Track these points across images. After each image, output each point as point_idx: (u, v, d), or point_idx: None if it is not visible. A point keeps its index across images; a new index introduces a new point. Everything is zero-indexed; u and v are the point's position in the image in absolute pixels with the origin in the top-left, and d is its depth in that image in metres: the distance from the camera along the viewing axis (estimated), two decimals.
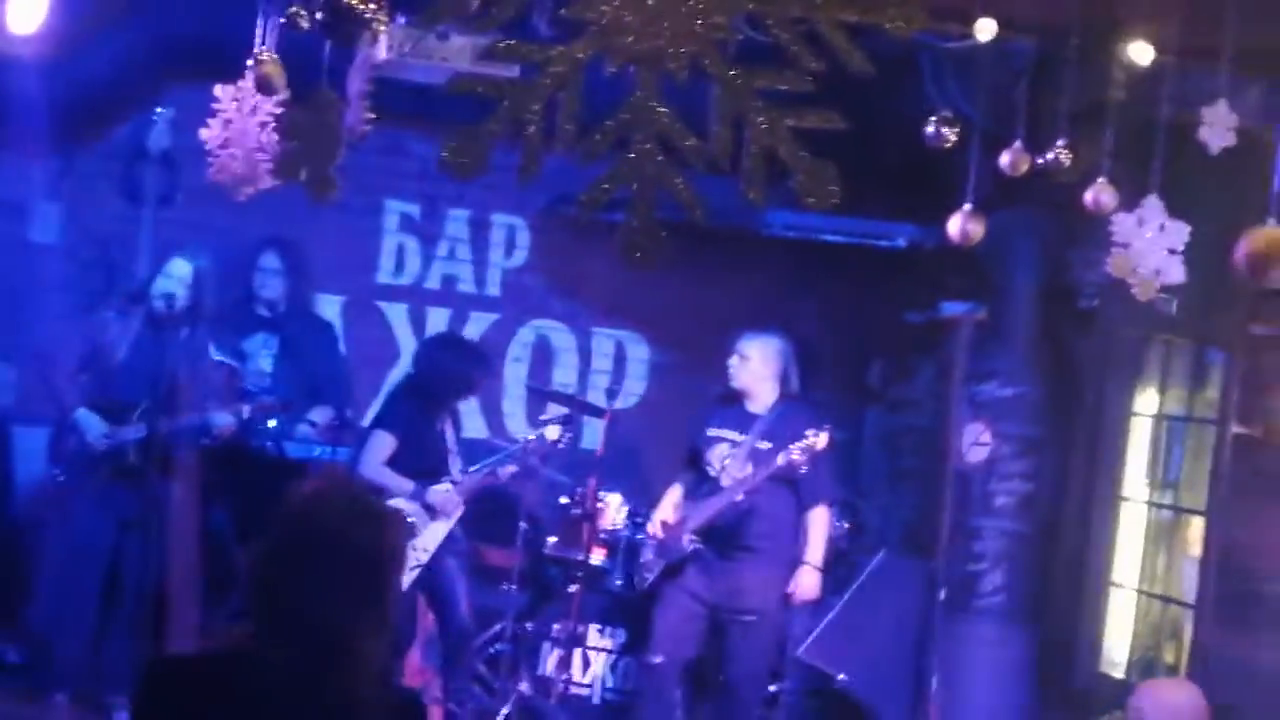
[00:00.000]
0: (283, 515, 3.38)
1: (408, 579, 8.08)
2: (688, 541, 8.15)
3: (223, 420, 7.95)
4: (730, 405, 8.36)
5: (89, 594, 8.00)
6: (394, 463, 8.21)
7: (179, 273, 8.01)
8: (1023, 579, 8.64)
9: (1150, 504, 8.42)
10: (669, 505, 8.45)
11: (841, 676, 8.69)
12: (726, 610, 8.18)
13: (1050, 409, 8.67)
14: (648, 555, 8.44)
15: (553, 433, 8.65)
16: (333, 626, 3.24)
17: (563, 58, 5.00)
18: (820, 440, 7.91)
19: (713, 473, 8.20)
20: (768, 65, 5.14)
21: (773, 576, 8.20)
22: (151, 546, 7.78)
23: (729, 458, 8.15)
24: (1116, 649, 8.45)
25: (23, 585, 8.72)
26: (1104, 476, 8.50)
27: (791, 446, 7.88)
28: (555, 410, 8.95)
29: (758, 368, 8.25)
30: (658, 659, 8.31)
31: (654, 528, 8.39)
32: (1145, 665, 8.25)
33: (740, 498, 8.03)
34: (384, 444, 8.21)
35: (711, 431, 8.30)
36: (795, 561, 8.21)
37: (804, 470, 7.99)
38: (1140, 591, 8.33)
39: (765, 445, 8.05)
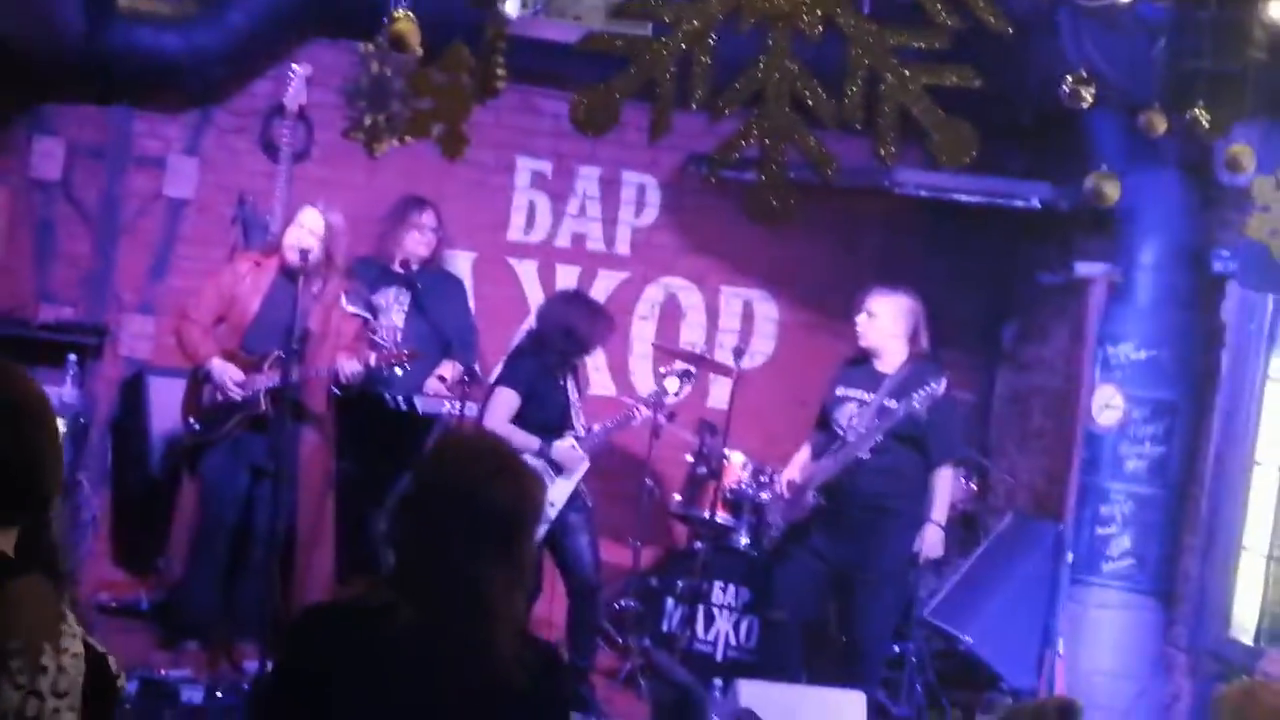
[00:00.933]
0: (422, 469, 3.43)
1: (540, 533, 8.15)
2: (812, 498, 8.15)
3: (351, 369, 8.02)
4: (859, 365, 8.35)
5: (221, 542, 8.12)
6: (519, 419, 8.26)
7: (310, 223, 8.09)
8: (1152, 543, 8.56)
9: None
10: (797, 464, 8.46)
11: (967, 638, 8.66)
12: (851, 569, 8.19)
13: (1183, 372, 8.58)
14: (773, 513, 8.46)
15: (672, 384, 8.66)
16: (472, 581, 3.29)
17: (696, 15, 4.99)
18: (940, 387, 7.87)
19: (840, 431, 8.19)
20: (903, 22, 5.11)
21: (899, 536, 8.18)
22: (282, 495, 7.88)
23: (856, 416, 8.14)
24: (1246, 614, 8.36)
25: (157, 533, 8.88)
26: (1236, 441, 8.40)
27: (913, 394, 7.85)
28: (678, 367, 8.97)
29: (886, 325, 8.22)
30: (780, 616, 8.34)
31: (781, 486, 8.41)
32: (1275, 631, 8.16)
33: (866, 455, 8.01)
34: (508, 400, 8.25)
35: (840, 391, 8.30)
36: (921, 521, 8.19)
37: (927, 423, 7.97)
38: (1271, 557, 8.23)
39: (893, 404, 8.02)
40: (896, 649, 8.68)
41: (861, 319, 8.27)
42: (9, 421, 3.18)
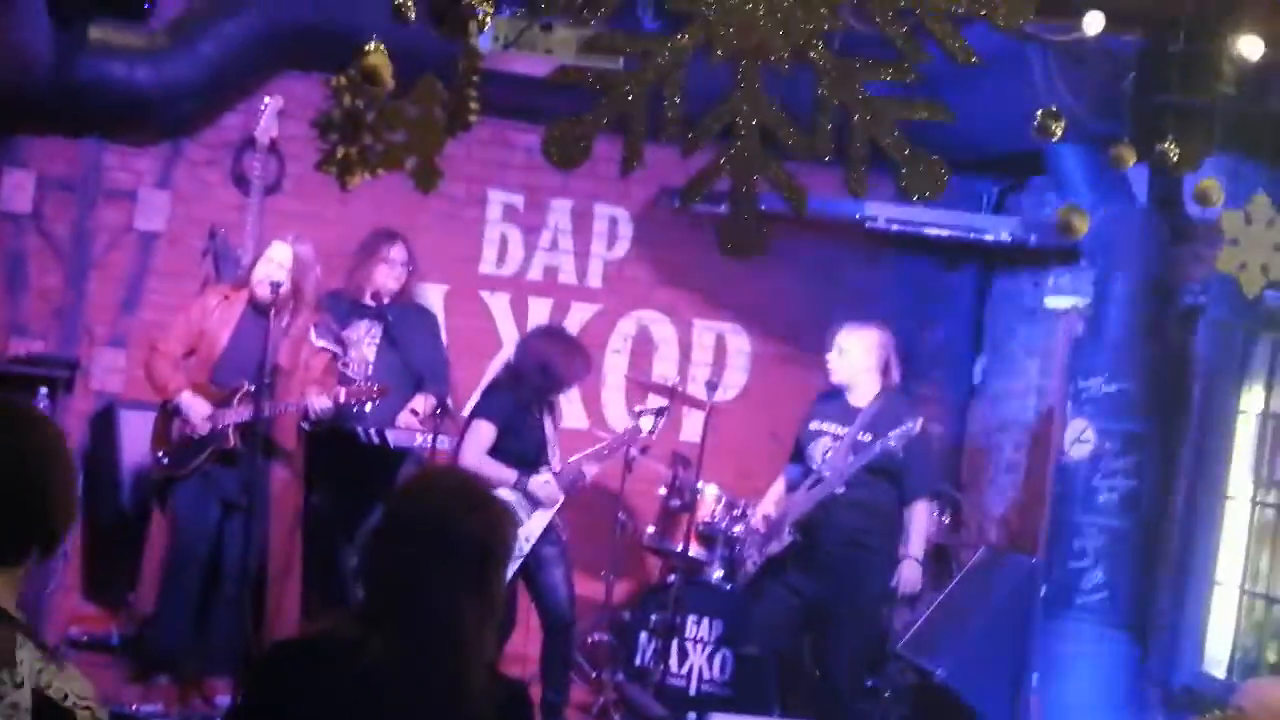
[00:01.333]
0: (395, 503, 3.43)
1: (510, 568, 8.12)
2: (788, 533, 8.15)
3: (321, 404, 8.01)
4: (832, 398, 8.38)
5: (192, 576, 8.08)
6: (495, 452, 8.24)
7: (279, 257, 8.09)
8: (1125, 577, 8.57)
9: (1255, 502, 8.34)
10: (772, 498, 8.47)
11: (940, 672, 8.65)
12: (826, 604, 8.19)
13: (1154, 405, 8.60)
14: (748, 548, 8.46)
15: (646, 423, 8.69)
16: (443, 616, 3.29)
17: (667, 49, 5.00)
18: (915, 427, 7.90)
19: (815, 466, 8.20)
20: (874, 57, 5.12)
21: (874, 571, 8.19)
22: (253, 529, 7.86)
23: (830, 450, 8.16)
24: (1219, 648, 8.37)
25: (128, 567, 8.84)
26: (1208, 474, 8.42)
27: (890, 434, 7.87)
28: (652, 401, 8.98)
29: (857, 360, 8.25)
30: (754, 651, 8.33)
31: (757, 520, 8.41)
32: (1248, 664, 8.17)
33: (841, 490, 8.03)
34: (485, 433, 8.24)
35: (814, 425, 8.32)
36: (896, 556, 8.20)
37: (901, 459, 7.99)
38: (1243, 590, 8.25)
39: (867, 438, 8.04)
40: (870, 683, 8.68)
41: (832, 355, 8.30)
42: (23, 462, 3.24)
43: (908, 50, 5.09)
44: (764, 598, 8.34)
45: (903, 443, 7.89)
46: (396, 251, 9.03)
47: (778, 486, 8.54)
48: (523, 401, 8.33)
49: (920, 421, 7.97)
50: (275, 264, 8.06)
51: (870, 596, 8.24)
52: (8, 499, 3.23)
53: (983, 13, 5.05)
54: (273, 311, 7.86)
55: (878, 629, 8.52)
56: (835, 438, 8.18)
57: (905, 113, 5.10)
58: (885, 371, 8.29)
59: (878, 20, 5.05)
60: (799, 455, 8.43)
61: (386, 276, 8.98)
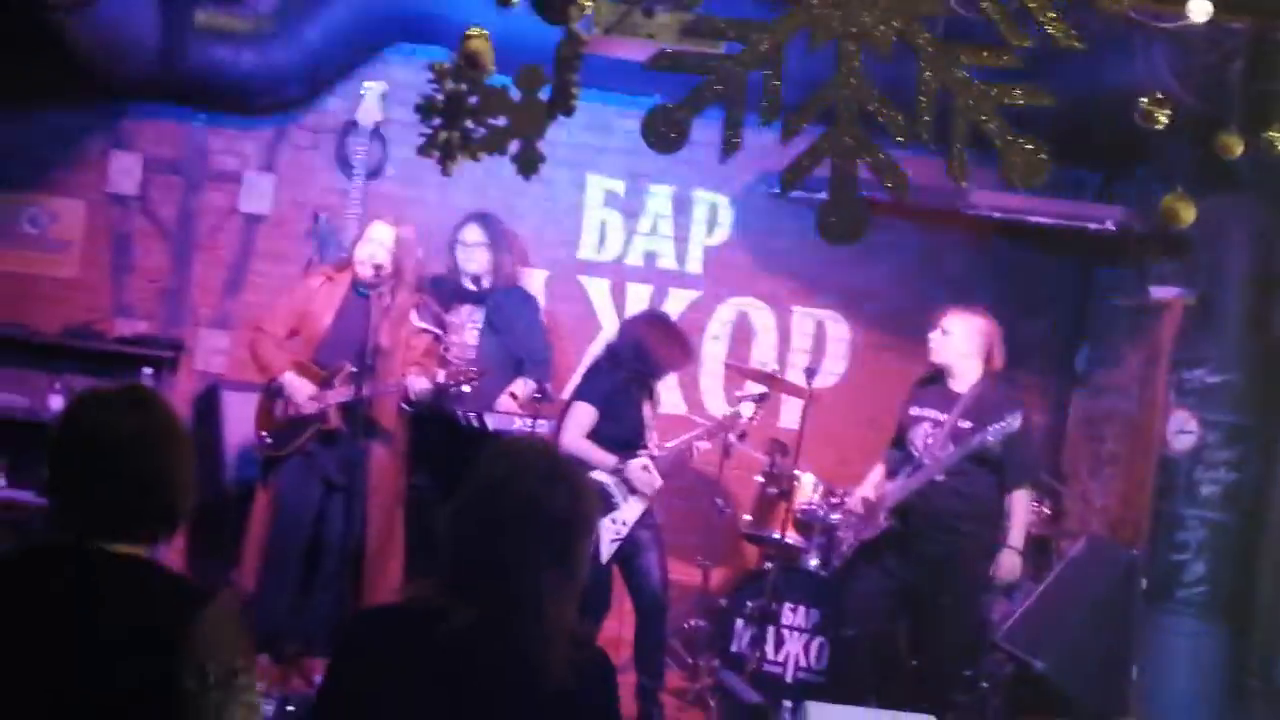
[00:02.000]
0: (478, 475, 3.45)
1: (607, 552, 8.15)
2: (884, 519, 8.12)
3: (420, 385, 8.05)
4: (933, 383, 8.33)
5: (293, 556, 8.16)
6: (594, 435, 8.27)
7: (381, 237, 8.14)
8: (1226, 570, 8.47)
9: None
10: (871, 483, 8.44)
11: (1039, 664, 8.59)
12: (923, 591, 8.15)
13: (1259, 397, 8.49)
14: (844, 530, 8.44)
15: (746, 410, 8.69)
16: (525, 586, 3.30)
17: (767, 33, 4.99)
18: (1015, 423, 7.84)
19: (915, 452, 8.17)
20: (976, 41, 5.09)
21: (972, 559, 8.14)
22: (354, 509, 7.92)
23: (930, 436, 8.12)
24: None
25: (230, 548, 8.94)
26: None
27: (989, 428, 7.82)
28: (751, 388, 8.97)
29: (959, 344, 8.19)
30: (850, 633, 8.31)
31: (855, 503, 8.39)
32: None
33: (940, 477, 7.99)
34: (586, 416, 8.27)
35: (915, 411, 8.28)
36: (995, 544, 8.15)
37: (1001, 451, 7.95)
38: None
39: (966, 424, 7.99)
40: (968, 673, 8.62)
41: (935, 336, 8.25)
42: (147, 444, 3.37)
43: (1009, 34, 5.05)
44: (859, 582, 8.32)
45: (1002, 438, 7.85)
46: (468, 232, 9.06)
47: (877, 471, 8.51)
48: (622, 385, 8.34)
49: (1020, 417, 7.91)
50: (377, 244, 8.13)
51: (967, 585, 8.19)
52: (135, 479, 3.33)
53: None
54: (374, 292, 7.92)
55: (975, 618, 8.46)
56: (935, 424, 8.14)
57: (1005, 97, 5.06)
58: (988, 359, 8.24)
59: (980, 4, 5.01)
60: (899, 441, 8.39)
61: (465, 260, 9.03)
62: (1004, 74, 5.17)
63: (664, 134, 4.96)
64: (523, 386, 8.80)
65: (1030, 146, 5.07)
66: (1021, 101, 5.01)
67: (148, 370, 9.00)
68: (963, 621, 8.27)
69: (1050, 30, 4.99)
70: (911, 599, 8.25)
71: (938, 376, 8.31)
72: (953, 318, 8.25)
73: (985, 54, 5.01)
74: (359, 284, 8.13)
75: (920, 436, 8.18)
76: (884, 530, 8.15)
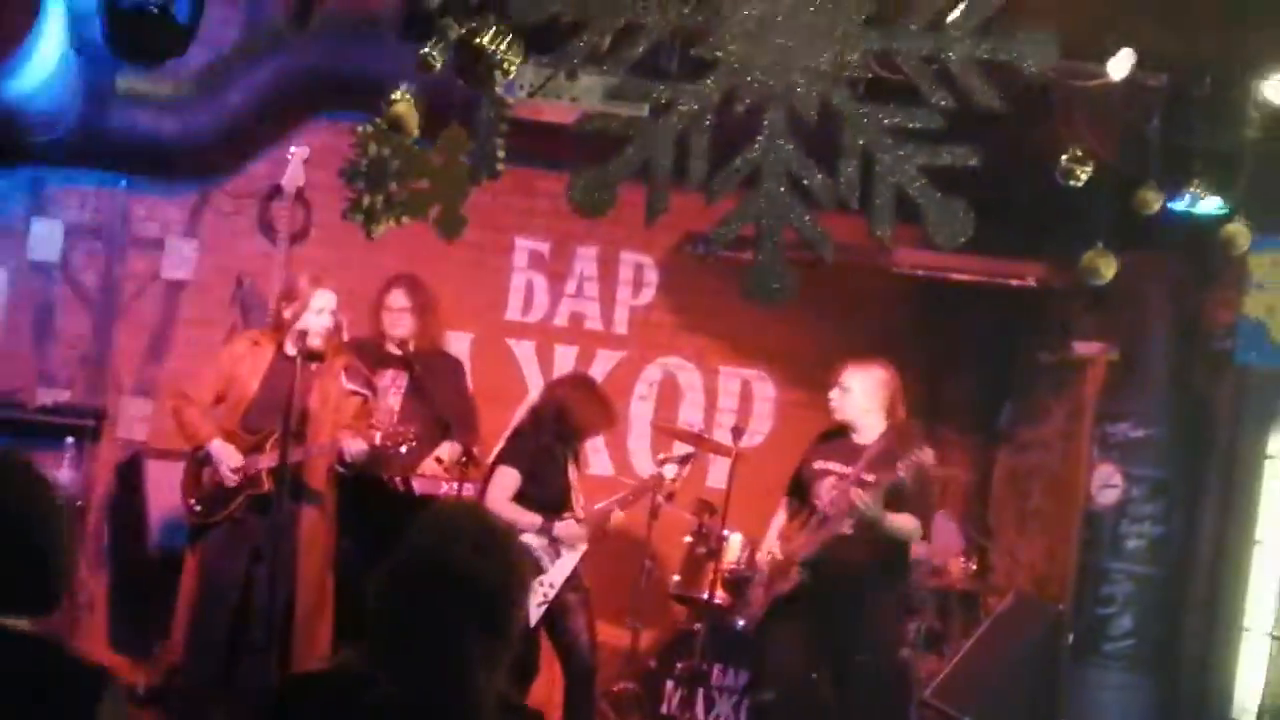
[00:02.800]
0: (407, 542, 3.42)
1: (535, 614, 8.12)
2: (795, 573, 8.06)
3: (356, 447, 7.99)
4: (836, 437, 8.30)
5: (221, 624, 8.07)
6: (518, 499, 8.26)
7: (327, 303, 8.06)
8: (1153, 624, 8.53)
9: None
10: (773, 538, 8.38)
11: (967, 719, 8.60)
12: (840, 646, 8.08)
13: (1182, 451, 8.56)
14: (753, 588, 8.37)
15: (669, 471, 8.68)
16: (454, 656, 3.27)
17: (692, 96, 5.01)
18: (927, 456, 7.83)
19: (820, 505, 8.12)
20: (898, 102, 5.13)
21: (886, 611, 8.13)
22: (281, 575, 7.84)
23: (835, 489, 8.06)
24: (1248, 695, 8.31)
25: (154, 618, 8.84)
26: (1236, 520, 8.38)
27: (899, 463, 7.78)
28: (678, 448, 8.97)
29: (860, 400, 8.17)
30: (769, 696, 8.25)
31: (762, 559, 8.33)
32: (1277, 710, 8.10)
33: (848, 530, 7.93)
34: (510, 479, 8.25)
35: (818, 464, 8.23)
36: (903, 594, 8.17)
37: (909, 491, 7.89)
38: (1273, 636, 8.19)
39: (871, 477, 7.95)
40: None
41: (835, 393, 8.23)
42: (21, 527, 3.31)
43: (932, 96, 5.10)
44: (775, 641, 8.24)
45: (912, 473, 7.81)
46: (394, 297, 9.02)
47: (777, 522, 8.44)
48: (546, 449, 8.33)
49: (929, 451, 7.90)
50: (326, 311, 8.03)
51: (884, 638, 8.17)
52: (11, 557, 3.28)
53: (1007, 58, 5.06)
54: (305, 358, 7.83)
55: (894, 673, 8.43)
56: (840, 477, 8.10)
57: (930, 158, 5.10)
58: (890, 410, 8.22)
59: (902, 66, 5.06)
60: (800, 493, 8.33)
61: (391, 324, 8.98)
62: (925, 134, 5.21)
63: (590, 197, 4.97)
64: (449, 450, 8.76)
65: (954, 206, 5.11)
66: (947, 161, 5.05)
67: (70, 439, 8.91)
68: (881, 675, 8.22)
69: (970, 92, 5.03)
70: (829, 655, 8.18)
71: (841, 430, 8.29)
72: (852, 373, 8.22)
73: (909, 115, 5.04)
74: (288, 350, 8.05)
75: (825, 490, 8.13)
76: (796, 585, 8.10)
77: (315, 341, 7.94)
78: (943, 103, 5.08)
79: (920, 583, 8.85)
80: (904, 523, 7.98)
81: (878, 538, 7.99)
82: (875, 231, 5.10)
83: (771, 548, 8.32)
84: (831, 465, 8.19)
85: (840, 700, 8.34)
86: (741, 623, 8.84)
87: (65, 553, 3.40)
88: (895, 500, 7.92)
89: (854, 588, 8.02)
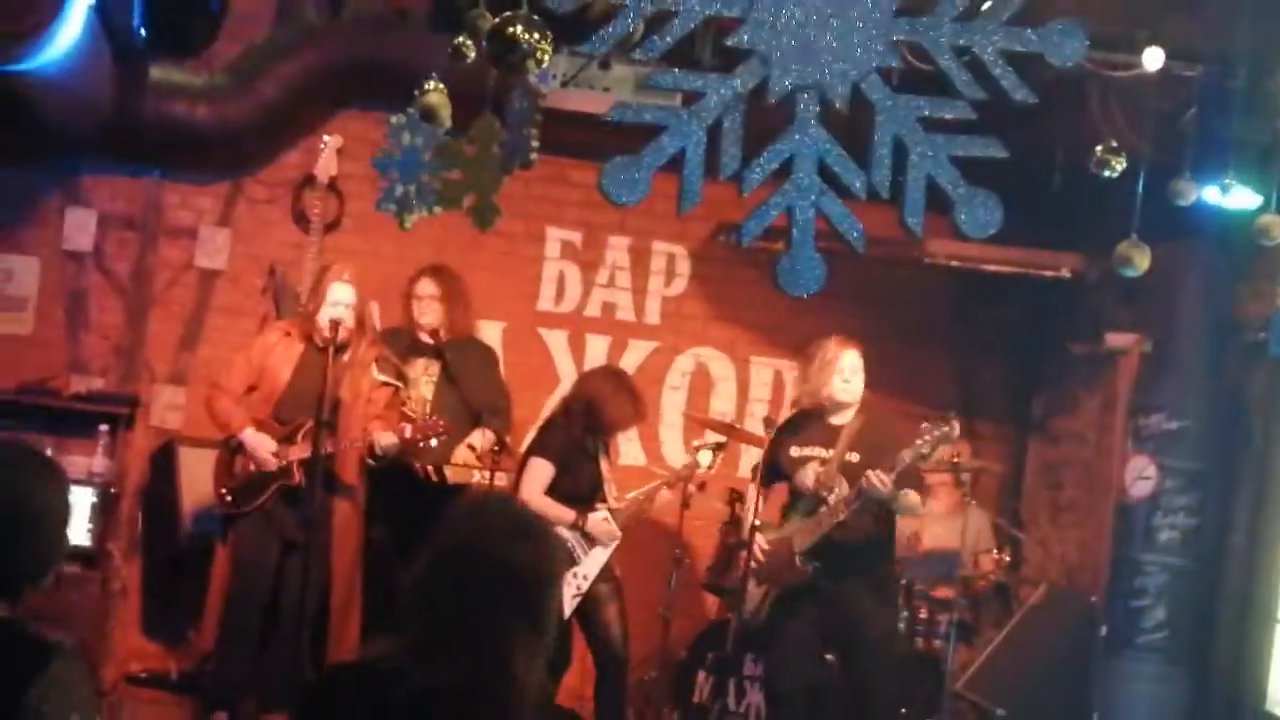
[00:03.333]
0: (443, 531, 3.41)
1: (569, 607, 8.13)
2: (800, 564, 7.95)
3: (386, 440, 8.02)
4: (809, 420, 8.20)
5: (252, 614, 8.10)
6: (551, 490, 8.26)
7: (342, 297, 8.09)
8: (1186, 616, 8.49)
9: None
10: (752, 522, 8.16)
11: (1000, 712, 8.58)
12: (846, 635, 8.01)
13: (1216, 443, 8.53)
14: (752, 584, 8.21)
15: (704, 458, 8.66)
16: (492, 646, 3.27)
17: (724, 85, 5.00)
18: (955, 430, 7.71)
19: (806, 492, 8.03)
20: (930, 93, 5.11)
21: (884, 588, 8.09)
22: (313, 566, 7.87)
23: (821, 474, 7.96)
24: None
25: (188, 604, 8.88)
26: (1270, 513, 8.34)
27: (923, 438, 7.64)
28: (710, 437, 8.96)
29: (860, 381, 8.06)
30: (785, 689, 8.18)
31: (757, 551, 8.14)
32: None
33: (843, 515, 7.82)
34: (543, 471, 8.26)
35: (795, 451, 8.12)
36: (891, 579, 8.16)
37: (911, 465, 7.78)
38: None
39: (855, 457, 7.87)
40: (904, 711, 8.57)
41: (843, 376, 8.08)
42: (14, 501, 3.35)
43: (963, 87, 5.08)
44: (784, 635, 8.14)
45: (937, 447, 7.73)
46: (422, 285, 9.01)
47: (751, 514, 8.22)
48: (578, 440, 8.33)
49: (956, 425, 7.76)
50: (341, 305, 8.06)
51: (888, 616, 8.14)
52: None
53: (1037, 49, 5.04)
54: (332, 349, 7.87)
55: (901, 654, 8.36)
56: (822, 461, 8.00)
57: (959, 149, 5.09)
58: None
59: (933, 57, 5.04)
60: (776, 475, 8.27)
61: (420, 313, 8.97)
62: (956, 125, 5.20)
63: (622, 186, 4.96)
64: (481, 439, 8.77)
65: (983, 197, 5.10)
66: (976, 153, 5.03)
67: (103, 427, 8.95)
68: (893, 653, 8.14)
69: (1000, 83, 5.02)
70: (839, 644, 8.09)
71: (811, 414, 8.20)
72: (849, 356, 8.11)
73: (942, 105, 5.03)
74: (319, 341, 8.08)
75: (810, 476, 8.03)
76: (805, 578, 8.00)
77: (327, 331, 7.97)
78: (975, 95, 5.06)
79: (953, 574, 8.79)
80: (913, 500, 7.92)
81: (872, 518, 7.91)
82: (906, 222, 5.09)
83: (760, 541, 8.11)
84: (811, 450, 8.06)
85: (850, 683, 8.21)
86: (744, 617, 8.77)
87: (39, 533, 3.42)
88: (902, 477, 7.79)
89: (856, 572, 7.92)
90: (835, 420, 8.06)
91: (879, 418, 8.07)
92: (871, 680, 8.05)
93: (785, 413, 9.93)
